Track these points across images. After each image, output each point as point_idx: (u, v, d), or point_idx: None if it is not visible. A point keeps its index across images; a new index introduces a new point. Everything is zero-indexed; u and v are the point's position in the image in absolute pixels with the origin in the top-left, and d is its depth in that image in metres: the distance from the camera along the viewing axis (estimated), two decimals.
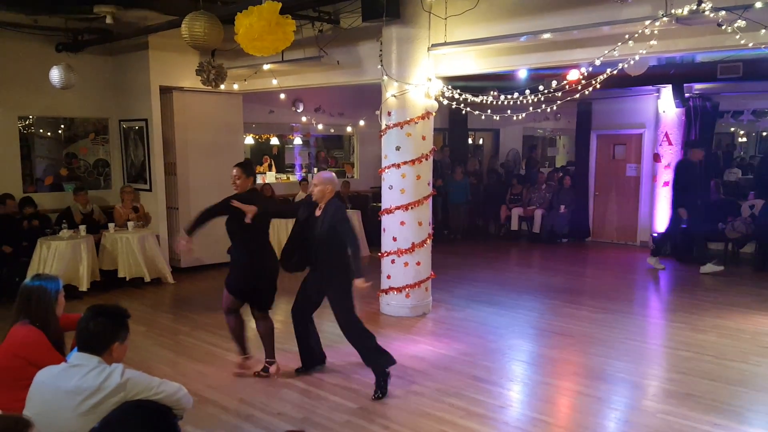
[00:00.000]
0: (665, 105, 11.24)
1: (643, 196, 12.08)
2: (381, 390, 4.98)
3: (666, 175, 11.35)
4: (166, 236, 9.27)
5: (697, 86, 10.94)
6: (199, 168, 9.60)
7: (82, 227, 8.20)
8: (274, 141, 13.95)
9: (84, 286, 7.94)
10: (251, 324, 5.57)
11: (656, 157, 11.55)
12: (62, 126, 9.30)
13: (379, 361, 5.06)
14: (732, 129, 18.53)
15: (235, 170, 5.24)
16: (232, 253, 5.42)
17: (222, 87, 8.62)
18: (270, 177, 12.54)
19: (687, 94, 10.93)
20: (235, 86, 9.26)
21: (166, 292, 8.62)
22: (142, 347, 6.12)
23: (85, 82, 8.79)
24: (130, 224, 8.61)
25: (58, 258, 7.70)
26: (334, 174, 5.29)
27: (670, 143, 11.32)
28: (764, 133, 19.05)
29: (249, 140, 13.04)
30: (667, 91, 11.03)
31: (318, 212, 5.10)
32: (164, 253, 9.05)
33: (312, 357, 5.53)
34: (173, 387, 2.80)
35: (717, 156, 15.16)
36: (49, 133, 9.28)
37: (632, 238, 12.27)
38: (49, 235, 8.00)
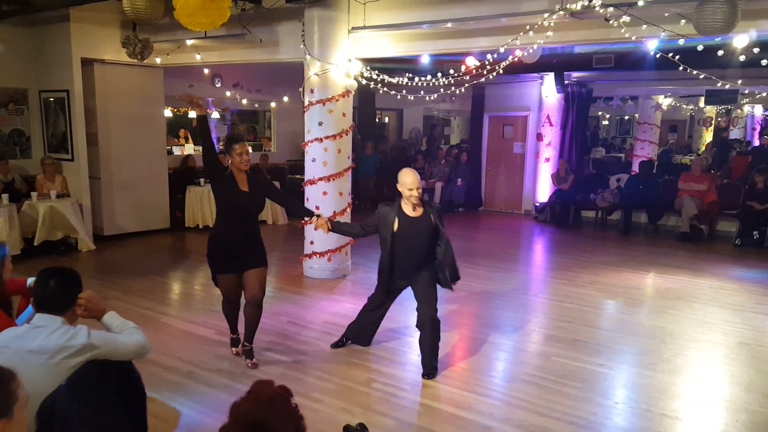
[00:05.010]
0: (547, 90, 11.78)
1: (527, 171, 12.65)
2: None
3: (547, 152, 11.98)
4: (89, 205, 8.68)
5: (575, 74, 11.51)
6: (120, 139, 9.02)
7: (4, 196, 7.56)
8: (192, 114, 13.35)
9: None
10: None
11: (539, 137, 12.12)
12: None
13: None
14: (600, 113, 19.86)
15: (243, 146, 4.41)
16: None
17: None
18: (188, 149, 12.06)
19: (566, 81, 11.49)
20: (158, 60, 8.73)
21: (90, 259, 8.12)
22: None
23: (3, 52, 8.00)
24: (53, 193, 8.02)
25: None
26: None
27: (551, 124, 11.91)
28: (626, 117, 20.54)
29: (167, 113, 12.40)
30: (549, 78, 11.54)
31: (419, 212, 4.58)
32: (87, 221, 8.51)
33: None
34: (137, 339, 2.72)
35: (586, 137, 16.17)
36: None
37: (518, 208, 12.87)
38: None
